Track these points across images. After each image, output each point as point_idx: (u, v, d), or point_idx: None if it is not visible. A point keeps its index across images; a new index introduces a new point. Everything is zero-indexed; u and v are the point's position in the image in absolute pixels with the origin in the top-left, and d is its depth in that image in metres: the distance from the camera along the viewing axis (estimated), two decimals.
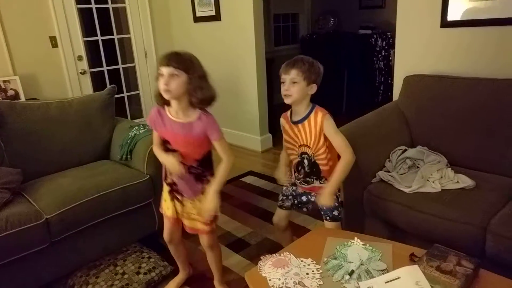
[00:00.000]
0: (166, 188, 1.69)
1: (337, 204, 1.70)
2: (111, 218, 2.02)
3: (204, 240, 1.71)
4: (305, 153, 1.67)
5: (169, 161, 1.55)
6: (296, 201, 1.82)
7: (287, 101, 1.60)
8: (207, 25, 3.91)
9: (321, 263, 1.33)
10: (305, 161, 1.69)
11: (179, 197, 1.66)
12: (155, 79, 1.47)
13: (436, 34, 2.33)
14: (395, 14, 2.53)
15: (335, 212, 1.71)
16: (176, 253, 1.87)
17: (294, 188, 1.81)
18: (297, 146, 1.68)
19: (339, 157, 1.63)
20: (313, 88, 1.60)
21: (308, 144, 1.64)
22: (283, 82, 1.59)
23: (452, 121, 2.08)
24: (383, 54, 4.71)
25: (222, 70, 3.92)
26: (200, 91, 1.45)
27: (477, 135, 1.99)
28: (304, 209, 1.85)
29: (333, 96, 4.61)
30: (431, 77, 2.23)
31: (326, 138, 1.60)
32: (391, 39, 4.61)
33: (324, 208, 1.71)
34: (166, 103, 1.52)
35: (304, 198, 1.80)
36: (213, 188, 1.56)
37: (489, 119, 1.95)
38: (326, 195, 1.58)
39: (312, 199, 1.76)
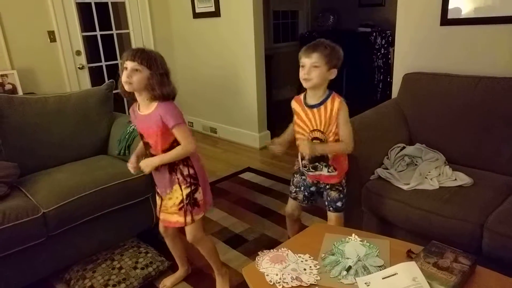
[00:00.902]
0: None
1: (341, 196, 1.72)
2: (108, 213, 2.01)
3: (187, 234, 1.71)
4: (317, 138, 1.64)
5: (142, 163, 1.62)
6: (306, 193, 1.82)
7: (306, 85, 1.57)
8: (206, 21, 3.90)
9: (319, 259, 1.33)
10: None
11: (158, 192, 1.72)
12: (120, 71, 1.54)
13: (435, 32, 2.33)
14: (395, 12, 2.53)
15: (339, 204, 1.72)
16: (173, 247, 1.87)
17: (304, 177, 1.79)
18: (309, 130, 1.65)
19: None
20: (333, 73, 1.57)
21: (322, 129, 1.61)
22: (303, 66, 1.55)
23: (450, 119, 2.08)
24: (383, 52, 4.71)
25: (221, 67, 3.91)
26: (159, 87, 1.50)
27: (475, 133, 2.00)
28: (313, 202, 1.86)
29: None
30: (430, 75, 2.23)
31: (337, 126, 1.59)
32: (391, 37, 4.61)
33: (329, 199, 1.73)
34: (130, 95, 1.58)
35: (313, 189, 1.80)
36: (152, 158, 1.60)
37: (487, 117, 1.96)
38: (307, 144, 1.56)
39: (321, 187, 1.76)
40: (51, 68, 3.48)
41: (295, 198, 1.87)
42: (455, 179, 1.82)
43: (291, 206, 1.90)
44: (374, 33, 4.64)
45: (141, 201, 2.14)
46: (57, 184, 1.95)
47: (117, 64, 4.03)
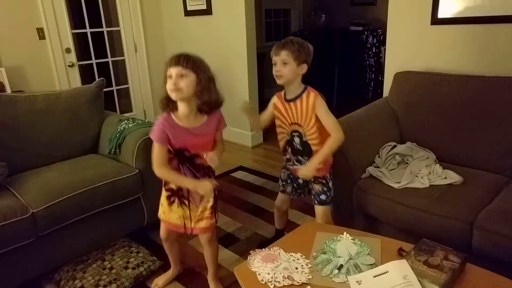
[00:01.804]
0: (165, 194, 1.64)
1: (325, 189, 1.76)
2: (99, 213, 1.99)
3: (203, 236, 1.68)
4: (296, 131, 1.72)
5: (203, 187, 1.48)
6: (295, 185, 1.88)
7: (279, 81, 1.65)
8: (198, 19, 3.87)
9: (311, 257, 1.33)
10: (296, 139, 1.74)
11: (186, 202, 1.61)
12: (162, 84, 1.43)
13: (426, 31, 2.34)
14: (386, 11, 2.54)
15: (323, 197, 1.77)
16: (170, 250, 1.85)
17: (289, 172, 1.87)
18: (288, 124, 1.73)
19: None
20: (304, 68, 1.64)
21: (299, 123, 1.69)
22: (275, 64, 1.64)
23: (441, 117, 2.10)
24: (374, 51, 4.73)
25: (213, 65, 3.85)
26: (208, 94, 1.44)
27: (465, 132, 2.01)
28: (302, 196, 1.92)
29: (324, 92, 4.58)
30: (421, 73, 2.25)
31: (317, 119, 1.64)
32: (382, 36, 4.64)
33: (314, 192, 1.78)
34: (172, 108, 1.48)
35: (300, 181, 1.86)
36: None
37: (477, 116, 1.98)
38: (307, 167, 1.64)
39: (308, 180, 1.81)
40: (40, 66, 3.43)
41: (283, 191, 1.93)
42: (445, 178, 1.84)
43: (280, 199, 1.98)
44: (366, 32, 4.66)
45: (132, 201, 2.13)
46: (46, 184, 1.92)
47: (108, 62, 3.99)
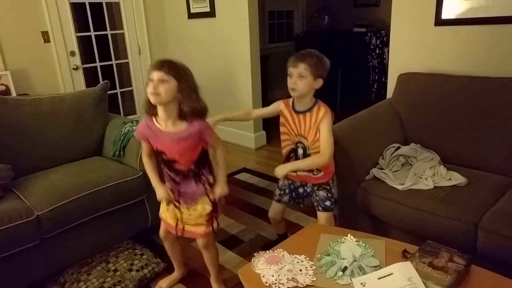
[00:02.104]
0: None
1: (329, 195, 1.76)
2: (103, 215, 2.00)
3: (199, 241, 1.70)
4: (301, 142, 1.71)
5: (158, 194, 1.59)
6: (294, 194, 1.86)
7: (293, 94, 1.63)
8: (201, 21, 3.89)
9: (315, 259, 1.33)
10: (300, 150, 1.73)
11: (177, 204, 1.63)
12: (145, 86, 1.46)
13: (430, 32, 2.34)
14: (389, 12, 2.54)
15: (327, 203, 1.76)
16: (171, 250, 1.85)
17: (291, 181, 1.84)
18: (294, 134, 1.71)
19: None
20: (319, 83, 1.62)
21: (306, 136, 1.67)
22: (290, 75, 1.60)
23: (445, 119, 2.09)
24: (377, 52, 4.73)
25: (216, 67, 3.90)
26: (188, 102, 1.44)
27: (470, 133, 2.00)
28: (301, 205, 1.91)
29: (327, 94, 4.59)
30: (424, 75, 2.24)
31: (317, 133, 1.64)
32: (385, 37, 4.63)
33: (318, 199, 1.77)
34: (154, 112, 1.50)
35: (301, 190, 1.84)
36: (221, 174, 1.61)
37: (482, 117, 1.97)
38: (282, 167, 1.65)
39: (308, 190, 1.81)
40: (45, 69, 3.45)
41: (278, 201, 1.90)
42: (450, 179, 1.83)
43: (273, 210, 1.93)
44: (369, 33, 4.66)
45: (136, 203, 2.13)
46: (51, 186, 1.93)
47: (112, 65, 4.02)
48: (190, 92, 1.44)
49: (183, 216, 1.64)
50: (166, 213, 1.69)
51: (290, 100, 1.72)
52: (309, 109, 1.64)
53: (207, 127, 1.53)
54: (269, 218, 1.99)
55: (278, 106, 1.76)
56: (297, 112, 1.68)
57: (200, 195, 1.60)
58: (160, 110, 1.47)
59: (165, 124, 1.50)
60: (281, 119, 1.75)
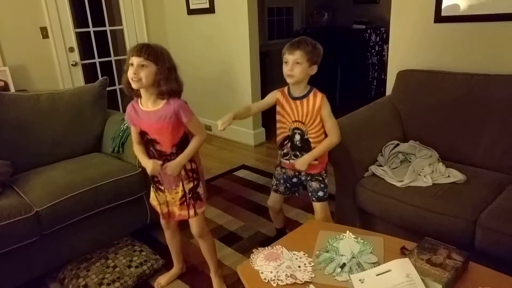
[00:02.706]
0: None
1: (322, 186, 1.79)
2: (102, 211, 2.00)
3: (192, 228, 1.73)
4: (298, 128, 1.73)
5: (148, 166, 1.59)
6: (288, 184, 1.90)
7: (289, 80, 1.66)
8: (200, 17, 3.87)
9: (313, 256, 1.33)
10: (297, 136, 1.75)
11: (161, 187, 1.68)
12: (124, 69, 1.50)
13: (429, 29, 2.33)
14: (389, 9, 2.53)
15: (320, 193, 1.79)
16: (171, 240, 1.87)
17: (284, 170, 1.88)
18: (291, 121, 1.74)
19: None
20: (314, 69, 1.66)
21: (303, 121, 1.71)
22: (286, 62, 1.64)
23: (444, 116, 2.09)
24: (377, 49, 4.71)
25: (215, 63, 3.89)
26: (167, 83, 1.49)
27: (468, 130, 2.01)
28: (296, 194, 1.95)
29: (326, 91, 4.58)
30: (424, 72, 2.24)
31: (321, 120, 1.68)
32: (385, 34, 4.62)
33: (311, 190, 1.80)
34: (135, 93, 1.56)
35: (295, 180, 1.87)
36: (177, 160, 1.58)
37: (481, 115, 1.97)
38: (302, 160, 1.69)
39: (302, 179, 1.84)
40: (43, 65, 3.44)
41: (275, 191, 1.94)
42: (448, 176, 1.84)
43: (272, 199, 1.99)
44: (369, 30, 4.64)
45: (135, 199, 2.13)
46: (50, 183, 1.93)
47: (111, 61, 4.00)
48: (169, 74, 1.49)
49: (167, 199, 1.69)
50: (154, 201, 1.74)
51: (286, 88, 1.76)
52: (305, 95, 1.69)
53: (184, 108, 1.54)
54: (268, 207, 2.03)
55: (275, 95, 1.79)
56: (294, 99, 1.71)
57: (178, 179, 1.63)
58: (142, 92, 1.54)
59: (146, 104, 1.55)
60: (278, 108, 1.78)
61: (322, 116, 1.67)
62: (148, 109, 1.54)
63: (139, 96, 1.57)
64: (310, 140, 1.71)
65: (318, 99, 1.66)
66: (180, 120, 1.54)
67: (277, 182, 1.92)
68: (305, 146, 1.73)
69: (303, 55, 1.60)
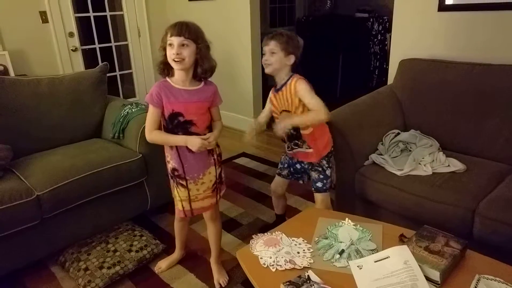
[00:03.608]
0: (171, 181, 1.66)
1: (321, 177, 1.81)
2: (103, 196, 2.01)
3: (207, 213, 1.73)
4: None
5: (192, 143, 1.49)
6: (292, 169, 1.94)
7: (267, 70, 1.71)
8: (202, 4, 3.83)
9: (312, 242, 1.34)
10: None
11: (183, 182, 1.61)
12: (160, 49, 1.48)
13: (433, 18, 2.31)
14: None
15: (319, 184, 1.82)
16: (181, 231, 1.88)
17: (289, 157, 1.92)
18: (279, 112, 1.78)
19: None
20: (291, 59, 1.69)
21: (288, 109, 1.73)
22: (264, 53, 1.71)
23: (445, 105, 2.08)
24: (379, 38, 4.68)
25: (216, 51, 3.81)
26: (206, 61, 1.49)
27: (470, 120, 2.00)
28: (300, 181, 1.97)
29: (328, 80, 4.59)
30: (426, 61, 2.22)
31: (303, 103, 1.68)
32: (388, 23, 4.58)
33: (312, 179, 1.84)
34: (172, 72, 1.52)
35: (298, 166, 1.91)
36: (214, 134, 1.58)
37: (482, 105, 1.96)
38: (280, 123, 1.69)
39: (306, 166, 1.87)
40: (43, 50, 3.42)
41: (279, 174, 1.99)
42: (448, 165, 1.84)
43: (275, 182, 2.03)
44: (371, 19, 4.60)
45: (135, 185, 2.14)
46: (51, 167, 1.94)
47: (111, 46, 3.97)
48: (207, 52, 1.49)
49: (190, 194, 1.62)
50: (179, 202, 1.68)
51: (275, 84, 1.79)
52: (284, 84, 1.71)
53: (217, 90, 1.59)
54: (271, 191, 2.07)
55: (269, 96, 1.83)
56: (277, 90, 1.75)
57: (208, 166, 1.61)
58: (179, 73, 1.50)
59: (183, 83, 1.52)
60: (271, 106, 1.82)
61: (301, 97, 1.66)
62: (186, 87, 1.51)
63: (172, 75, 1.52)
64: (304, 127, 1.74)
65: (293, 83, 1.68)
66: (214, 100, 1.57)
67: (282, 166, 1.96)
68: (296, 133, 1.77)
69: (277, 45, 1.65)
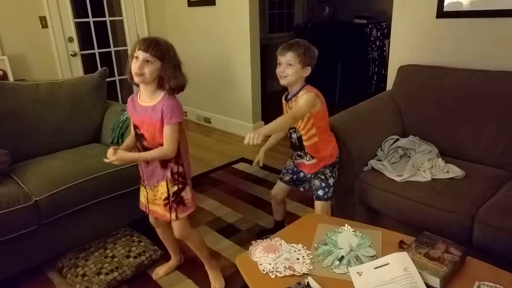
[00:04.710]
0: None
1: (323, 185, 1.79)
2: (101, 202, 2.00)
3: (174, 230, 1.69)
4: (292, 127, 1.76)
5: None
6: (295, 177, 1.93)
7: (282, 82, 1.68)
8: (201, 9, 3.85)
9: (312, 248, 1.34)
10: (293, 135, 1.79)
11: (143, 183, 1.67)
12: (130, 58, 1.48)
13: (431, 25, 2.32)
14: (391, 3, 2.52)
15: (320, 192, 1.80)
16: (164, 237, 1.87)
17: (294, 164, 1.92)
18: None
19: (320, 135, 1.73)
20: (307, 71, 1.66)
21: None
22: (280, 64, 1.66)
23: (444, 111, 2.09)
24: (378, 44, 4.70)
25: (215, 56, 3.88)
26: (173, 80, 1.47)
27: (468, 126, 2.01)
28: (301, 189, 1.96)
29: (326, 86, 4.58)
30: (425, 67, 2.23)
31: (310, 115, 1.66)
32: (386, 30, 4.60)
33: (313, 187, 1.82)
34: (136, 84, 1.54)
35: (301, 174, 1.90)
36: (130, 154, 1.55)
37: (481, 111, 1.97)
38: (253, 132, 1.59)
39: (308, 176, 1.86)
40: (42, 55, 3.42)
41: (281, 179, 1.97)
42: (447, 171, 1.84)
43: (276, 188, 2.02)
44: (370, 25, 4.63)
45: (134, 190, 2.12)
46: (49, 172, 1.93)
47: (110, 51, 3.98)
48: (173, 71, 1.47)
49: (148, 196, 1.67)
50: (141, 196, 1.73)
51: (286, 92, 1.78)
52: (295, 94, 1.70)
53: (173, 110, 1.47)
54: (271, 197, 2.06)
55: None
56: (287, 100, 1.74)
57: (161, 179, 1.60)
58: (141, 86, 1.53)
59: (145, 98, 1.54)
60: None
61: (298, 103, 1.65)
62: (145, 103, 1.53)
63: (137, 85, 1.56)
64: (303, 137, 1.73)
65: (302, 95, 1.65)
66: (165, 119, 1.47)
67: (285, 171, 1.95)
68: (299, 144, 1.76)
69: (295, 57, 1.62)
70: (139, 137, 1.59)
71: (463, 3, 2.18)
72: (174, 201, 1.61)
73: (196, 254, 1.81)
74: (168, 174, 1.59)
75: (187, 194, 1.63)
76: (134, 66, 1.43)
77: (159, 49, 1.43)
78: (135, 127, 1.59)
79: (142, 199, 1.74)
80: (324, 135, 1.76)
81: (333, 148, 1.80)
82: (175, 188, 1.60)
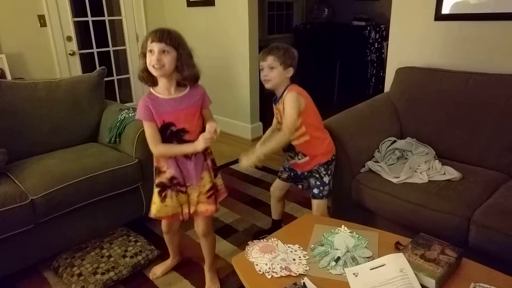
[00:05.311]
0: (156, 190, 1.59)
1: (318, 183, 1.81)
2: (98, 201, 2.00)
3: (198, 226, 1.69)
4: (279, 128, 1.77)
5: (199, 143, 1.45)
6: (292, 174, 1.94)
7: (267, 85, 1.71)
8: (200, 10, 3.85)
9: (308, 249, 1.34)
10: None
11: (183, 189, 1.58)
12: (141, 57, 1.46)
13: (430, 27, 2.33)
14: (389, 6, 2.53)
15: (315, 190, 1.82)
16: (171, 241, 1.87)
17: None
18: (279, 124, 1.79)
19: (311, 133, 1.73)
20: (290, 72, 1.70)
21: (282, 121, 1.73)
22: (262, 69, 1.70)
23: (441, 114, 2.10)
24: (376, 46, 4.71)
25: (214, 57, 3.88)
26: (187, 68, 1.46)
27: (466, 129, 2.02)
28: (299, 186, 1.97)
29: (325, 87, 4.61)
30: (423, 69, 2.24)
31: (299, 114, 1.67)
32: (385, 32, 4.62)
33: (309, 185, 1.84)
34: (154, 81, 1.50)
35: (298, 172, 1.91)
36: (212, 125, 1.47)
37: (478, 113, 1.98)
38: (245, 156, 1.68)
39: (306, 173, 1.87)
40: (41, 54, 3.42)
41: (279, 177, 1.99)
42: (444, 173, 1.85)
43: (274, 185, 2.04)
44: (369, 27, 4.64)
45: (131, 190, 2.13)
46: (46, 171, 1.93)
47: (109, 51, 3.98)
48: (188, 59, 1.46)
49: (190, 198, 1.59)
50: (164, 209, 1.60)
51: (274, 96, 1.79)
52: (281, 96, 1.71)
53: (205, 91, 1.57)
54: (270, 192, 2.08)
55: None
56: (275, 103, 1.76)
57: (205, 169, 1.58)
58: (162, 81, 1.48)
59: (168, 92, 1.49)
60: None
61: (284, 106, 1.67)
62: (176, 95, 1.49)
63: (155, 84, 1.50)
64: (294, 138, 1.74)
65: (286, 95, 1.67)
66: (204, 103, 1.54)
67: (283, 169, 1.97)
68: (291, 146, 1.78)
69: (275, 59, 1.65)
70: (176, 134, 1.50)
71: (461, 6, 2.19)
72: (215, 189, 1.63)
73: (195, 254, 1.81)
74: (209, 163, 1.60)
75: (220, 180, 1.68)
76: (151, 59, 1.40)
77: (172, 37, 1.41)
78: (167, 126, 1.48)
79: (175, 211, 1.60)
80: (316, 133, 1.76)
81: (327, 145, 1.80)
82: (213, 175, 1.62)
